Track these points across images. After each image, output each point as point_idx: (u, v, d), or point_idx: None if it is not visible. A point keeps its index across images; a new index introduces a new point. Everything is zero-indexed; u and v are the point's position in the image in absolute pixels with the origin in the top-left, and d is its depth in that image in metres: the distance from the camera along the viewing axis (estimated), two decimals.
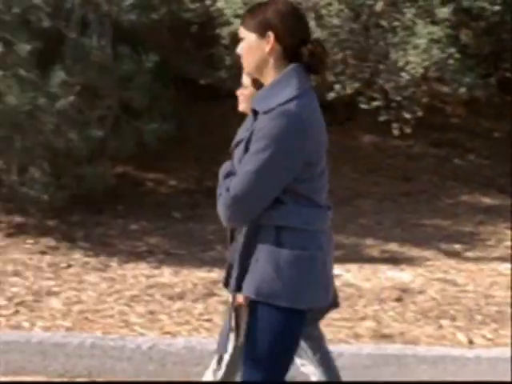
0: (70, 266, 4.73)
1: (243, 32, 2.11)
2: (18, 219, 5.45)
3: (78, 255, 4.94)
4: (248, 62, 2.12)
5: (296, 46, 2.06)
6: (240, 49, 2.12)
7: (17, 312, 3.92)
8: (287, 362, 2.12)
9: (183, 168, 6.58)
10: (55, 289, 4.30)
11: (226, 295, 4.22)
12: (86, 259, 4.88)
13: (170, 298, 4.27)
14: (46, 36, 5.48)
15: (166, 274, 4.67)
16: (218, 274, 4.68)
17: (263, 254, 2.03)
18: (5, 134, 5.28)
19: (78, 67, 5.43)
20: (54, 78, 5.20)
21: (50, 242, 5.14)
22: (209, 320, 3.99)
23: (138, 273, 4.63)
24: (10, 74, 5.17)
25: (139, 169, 6.37)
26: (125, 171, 6.19)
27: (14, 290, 4.24)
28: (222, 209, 2.04)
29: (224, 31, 5.80)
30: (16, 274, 4.50)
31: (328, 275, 2.14)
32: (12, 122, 5.22)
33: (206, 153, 6.67)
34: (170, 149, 6.20)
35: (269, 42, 2.05)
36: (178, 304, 4.18)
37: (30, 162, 5.34)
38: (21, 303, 4.05)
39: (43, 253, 4.92)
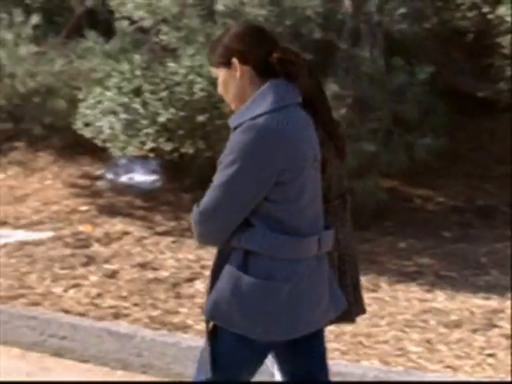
0: None
1: (214, 71, 2.07)
2: None
3: None
4: (228, 97, 2.05)
5: (263, 59, 1.98)
6: (219, 89, 2.06)
7: None
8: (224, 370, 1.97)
9: (452, 184, 6.19)
10: None
11: (509, 327, 3.96)
12: None
13: (446, 325, 3.95)
14: (318, 48, 5.48)
15: (440, 299, 4.35)
16: (497, 302, 4.28)
17: (226, 276, 1.93)
18: None
19: (349, 79, 5.35)
20: (326, 90, 5.13)
21: None
22: (492, 355, 3.61)
23: (410, 295, 4.38)
24: None
25: (407, 184, 6.12)
26: (392, 186, 5.96)
27: None
28: (192, 225, 1.97)
29: (505, 40, 5.35)
30: None
31: (299, 307, 1.94)
32: None
33: (476, 169, 6.25)
34: (439, 164, 5.88)
35: (236, 68, 1.98)
36: (456, 333, 3.85)
37: None
38: None
39: None
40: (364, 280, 4.57)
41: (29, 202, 6.51)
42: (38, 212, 6.21)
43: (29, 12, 6.46)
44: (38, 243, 5.34)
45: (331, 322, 2.32)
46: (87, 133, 5.50)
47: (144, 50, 5.42)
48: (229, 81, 2.01)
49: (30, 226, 5.90)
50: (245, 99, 1.98)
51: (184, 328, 3.86)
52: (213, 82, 4.18)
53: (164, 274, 4.70)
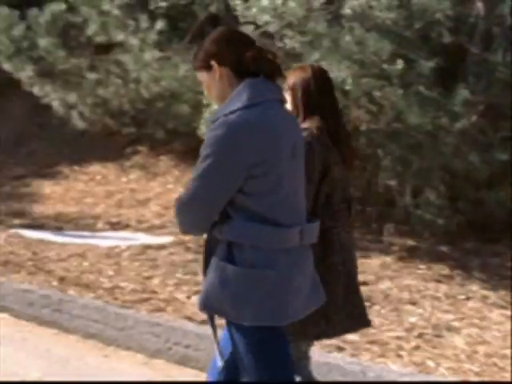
0: (468, 298, 4.39)
1: (198, 76, 2.18)
2: (410, 242, 5.30)
3: (474, 287, 4.58)
4: (213, 98, 2.21)
5: (239, 60, 2.07)
6: (205, 92, 2.21)
7: (418, 347, 3.69)
8: (262, 369, 2.07)
9: None
10: (455, 324, 3.99)
11: None
12: (485, 292, 4.49)
13: None
14: (448, 52, 5.25)
15: None
16: None
17: (213, 267, 2.04)
18: (401, 154, 5.17)
19: (481, 85, 5.07)
20: (456, 96, 4.91)
21: (443, 269, 4.86)
22: None
23: None
24: (411, 93, 5.01)
25: None
26: None
27: (412, 320, 4.05)
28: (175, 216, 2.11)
29: None
30: (412, 302, 4.31)
31: (285, 293, 2.04)
32: (410, 143, 5.09)
33: None
34: None
35: (215, 70, 2.09)
36: None
37: (426, 183, 5.16)
38: (420, 336, 3.83)
39: (438, 281, 4.66)
40: (494, 296, 4.37)
41: (150, 205, 6.66)
42: (160, 216, 6.33)
43: (154, 18, 6.58)
44: (160, 247, 5.42)
45: (352, 330, 2.61)
46: None
47: None
48: (211, 83, 2.13)
49: (152, 229, 6.01)
50: (226, 99, 2.08)
51: None
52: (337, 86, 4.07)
53: None
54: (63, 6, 7.11)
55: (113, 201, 6.94)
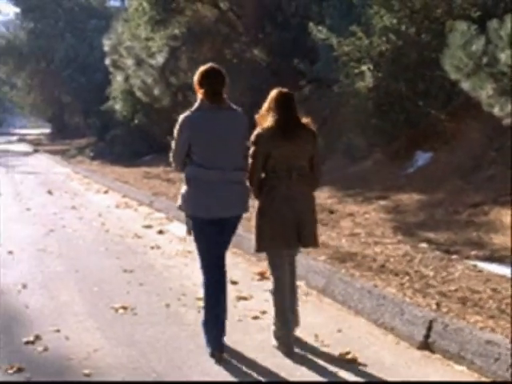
0: None
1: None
2: None
3: None
4: None
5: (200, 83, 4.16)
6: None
7: None
8: (206, 253, 4.13)
9: None
10: None
11: None
12: None
13: None
14: None
15: None
16: None
17: (182, 187, 4.19)
18: None
19: None
20: None
21: None
22: None
23: None
24: None
25: None
26: None
27: None
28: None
29: None
30: None
31: (214, 200, 4.03)
32: None
33: None
34: None
35: (198, 91, 4.14)
36: None
37: None
38: None
39: None
40: None
41: None
42: None
43: None
44: None
45: (302, 246, 4.31)
46: None
47: None
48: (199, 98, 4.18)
49: None
50: None
51: None
52: None
53: None
54: None
55: None
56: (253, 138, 4.15)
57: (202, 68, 4.09)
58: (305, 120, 4.26)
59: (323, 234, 7.19)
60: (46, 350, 4.16)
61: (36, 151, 32.00)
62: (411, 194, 8.92)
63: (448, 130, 9.76)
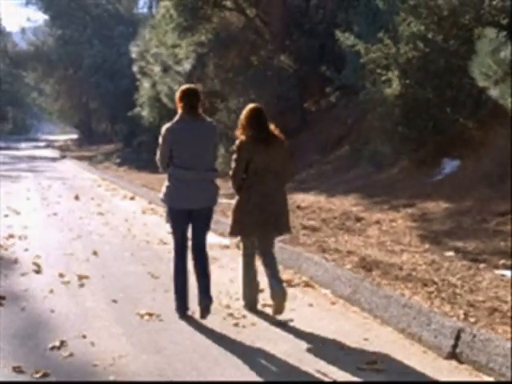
0: None
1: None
2: None
3: None
4: None
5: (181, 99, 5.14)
6: None
7: None
8: (175, 234, 5.18)
9: None
10: None
11: None
12: None
13: None
14: None
15: None
16: None
17: (164, 183, 5.10)
18: None
19: None
20: None
21: None
22: None
23: None
24: None
25: None
26: None
27: None
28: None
29: None
30: None
31: (186, 195, 4.99)
32: None
33: None
34: None
35: (178, 105, 5.09)
36: None
37: None
38: None
39: None
40: None
41: None
42: None
43: None
44: None
45: (277, 234, 5.30)
46: None
47: None
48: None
49: None
50: None
51: None
52: None
53: None
54: None
55: None
56: (236, 145, 5.04)
57: (182, 87, 5.17)
58: (275, 131, 5.13)
59: (349, 242, 7.14)
60: (71, 355, 4.17)
61: (63, 157, 32.36)
62: (438, 201, 8.84)
63: (475, 137, 9.66)
